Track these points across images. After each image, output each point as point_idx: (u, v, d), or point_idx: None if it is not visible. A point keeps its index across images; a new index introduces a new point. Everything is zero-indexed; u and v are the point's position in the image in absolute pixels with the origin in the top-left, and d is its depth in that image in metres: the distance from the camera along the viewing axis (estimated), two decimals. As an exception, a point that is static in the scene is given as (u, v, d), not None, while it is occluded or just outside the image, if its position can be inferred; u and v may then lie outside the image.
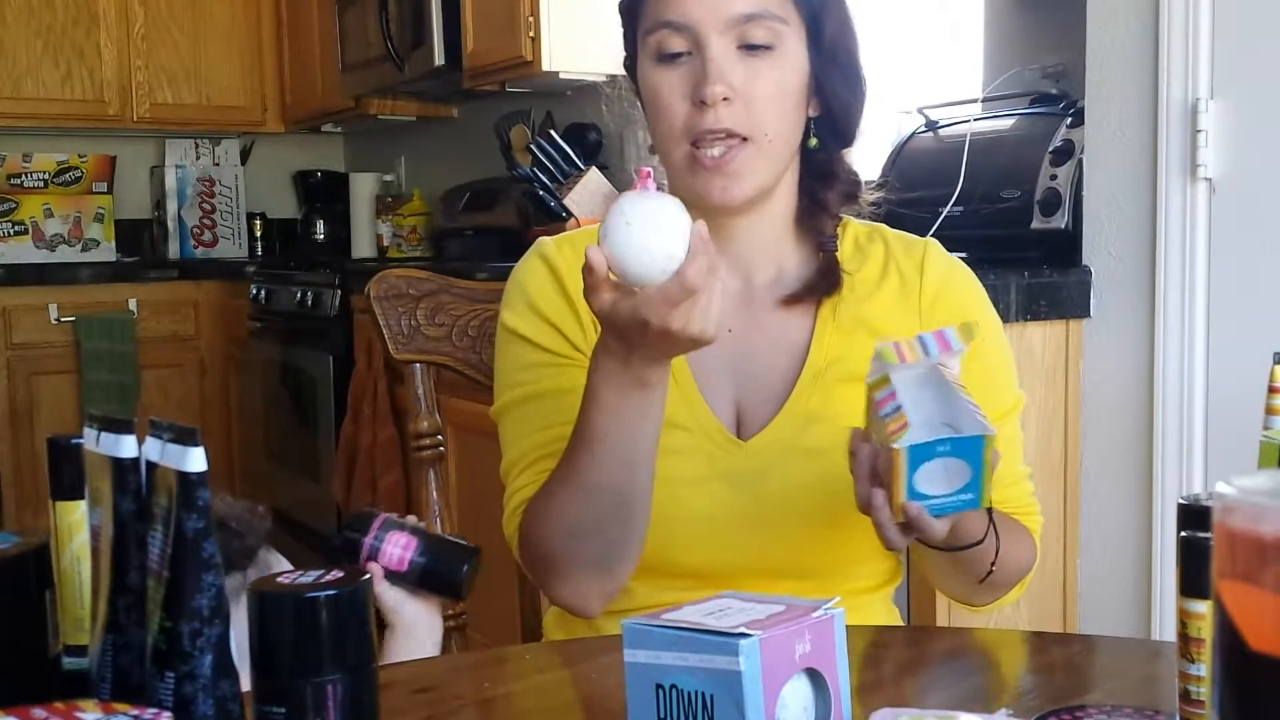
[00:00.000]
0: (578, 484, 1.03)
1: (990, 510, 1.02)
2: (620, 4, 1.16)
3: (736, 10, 1.05)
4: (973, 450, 0.88)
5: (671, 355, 0.97)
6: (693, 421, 1.11)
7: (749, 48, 1.06)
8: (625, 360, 0.96)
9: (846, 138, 1.17)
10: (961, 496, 0.89)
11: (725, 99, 1.05)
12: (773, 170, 1.10)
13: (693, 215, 1.14)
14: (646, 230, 0.88)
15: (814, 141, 1.14)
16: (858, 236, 1.19)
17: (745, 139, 1.06)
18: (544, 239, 1.20)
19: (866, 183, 1.22)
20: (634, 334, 0.92)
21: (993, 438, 0.88)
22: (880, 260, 1.17)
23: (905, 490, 0.88)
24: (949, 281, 1.17)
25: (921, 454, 0.88)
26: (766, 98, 1.07)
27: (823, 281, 1.14)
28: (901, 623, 1.25)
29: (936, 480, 0.89)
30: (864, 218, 1.23)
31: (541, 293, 1.16)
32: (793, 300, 1.14)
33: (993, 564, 1.04)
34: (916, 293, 1.15)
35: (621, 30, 1.16)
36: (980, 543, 1.01)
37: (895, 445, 0.87)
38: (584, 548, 1.05)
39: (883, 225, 1.22)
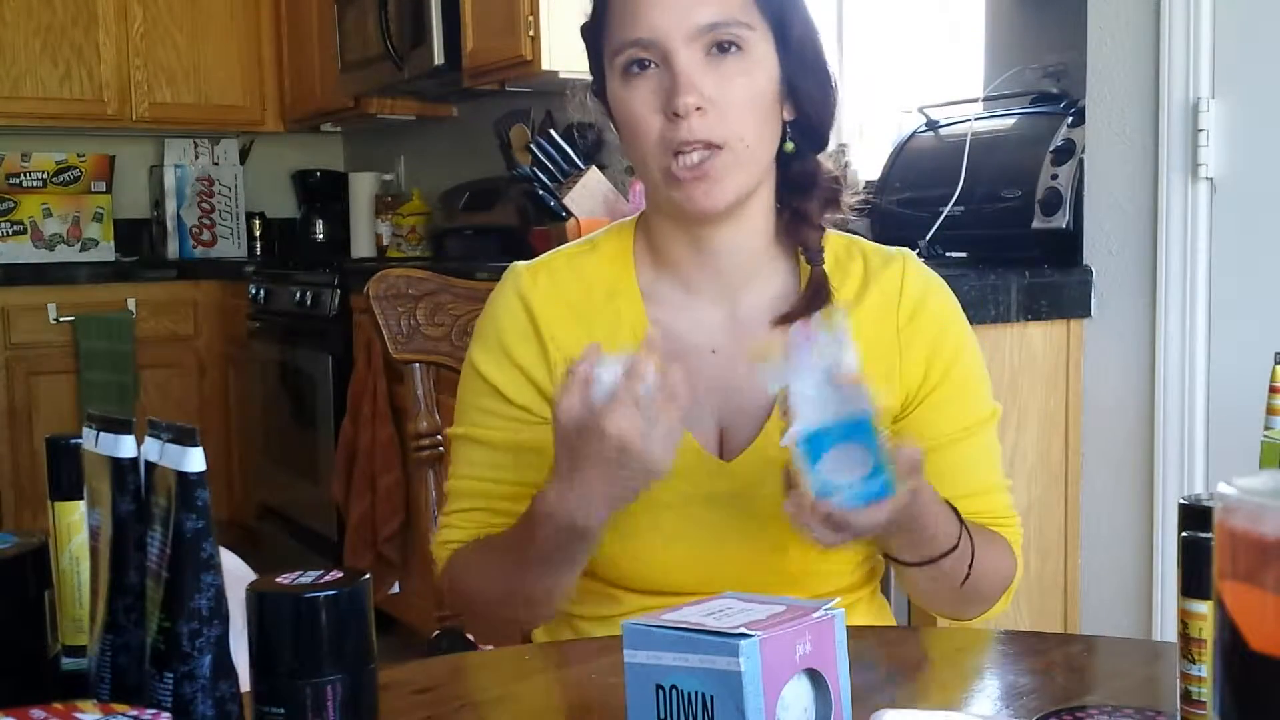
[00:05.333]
0: (514, 574, 1.06)
1: (960, 515, 1.04)
2: (582, 27, 1.15)
3: (701, 20, 1.04)
4: (863, 432, 0.89)
5: (611, 489, 0.95)
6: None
7: (719, 50, 1.05)
8: (568, 490, 0.95)
9: (821, 140, 1.16)
10: (871, 483, 0.89)
11: (698, 108, 1.04)
12: (750, 176, 1.09)
13: (675, 226, 1.14)
14: None
15: (790, 146, 1.13)
16: (837, 252, 1.18)
17: (721, 146, 1.06)
18: (518, 267, 1.18)
19: (866, 183, 1.21)
20: (581, 443, 0.93)
21: (877, 413, 0.88)
22: (860, 276, 1.16)
23: (814, 485, 0.89)
24: (926, 296, 1.16)
25: (814, 445, 0.89)
26: (739, 103, 1.06)
27: (815, 299, 1.13)
28: (893, 617, 1.25)
29: (843, 470, 0.89)
30: (850, 219, 1.22)
31: (513, 332, 1.15)
32: (784, 320, 1.13)
33: (969, 566, 1.05)
34: (895, 307, 1.15)
35: (586, 55, 1.15)
36: (955, 549, 1.02)
37: (783, 442, 0.89)
38: (507, 611, 1.12)
39: (860, 238, 1.21)
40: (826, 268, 1.15)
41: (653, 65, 1.06)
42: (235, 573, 0.68)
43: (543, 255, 1.21)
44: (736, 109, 1.06)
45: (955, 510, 1.05)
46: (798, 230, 1.15)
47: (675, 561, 1.11)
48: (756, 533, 1.10)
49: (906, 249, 1.20)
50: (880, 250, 1.19)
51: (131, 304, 4.20)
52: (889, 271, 1.16)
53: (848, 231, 1.22)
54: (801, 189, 1.15)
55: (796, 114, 1.12)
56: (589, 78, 1.18)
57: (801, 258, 1.16)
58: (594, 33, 1.13)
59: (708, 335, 1.15)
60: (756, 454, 1.10)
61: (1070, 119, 2.08)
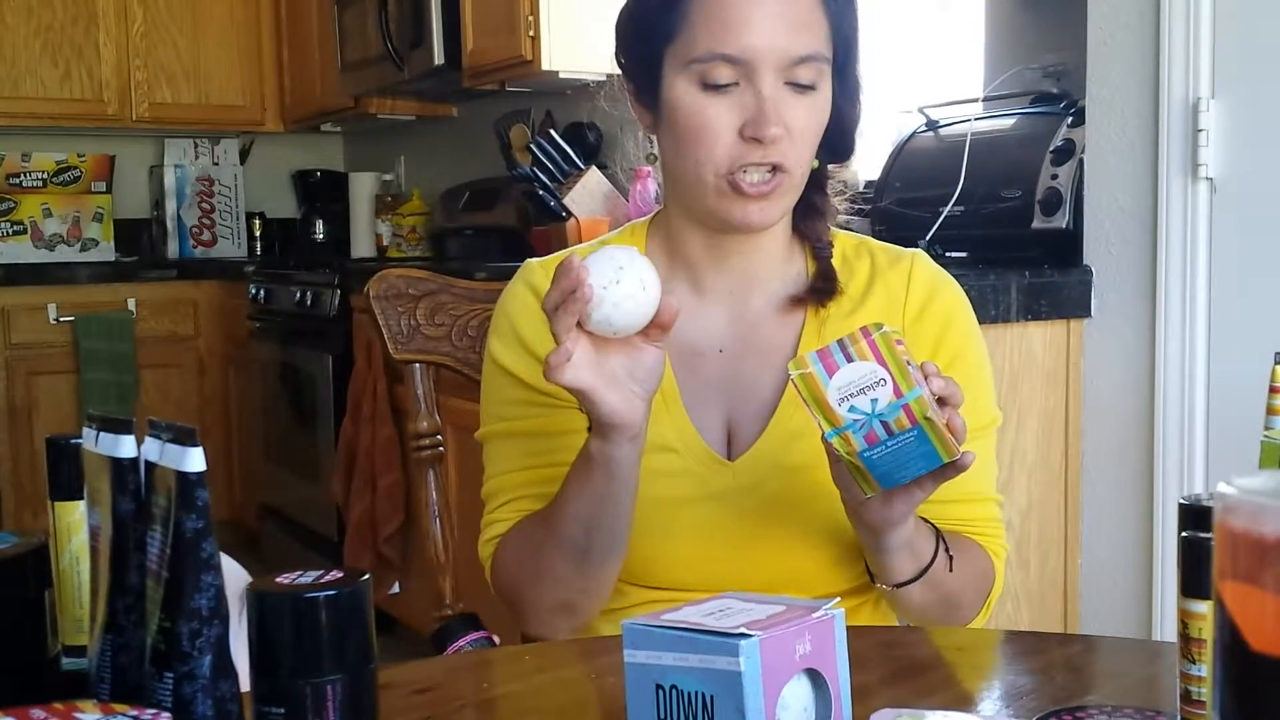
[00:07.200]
0: (544, 531, 1.07)
1: (937, 532, 1.06)
2: (638, 11, 1.12)
3: (796, 52, 1.05)
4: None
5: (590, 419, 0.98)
6: (681, 444, 1.12)
7: (795, 86, 1.06)
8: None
9: (847, 153, 1.18)
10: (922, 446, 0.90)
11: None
12: (796, 196, 1.12)
13: (699, 231, 1.14)
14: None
15: (814, 163, 1.14)
16: (845, 250, 1.19)
17: (787, 171, 1.07)
18: (531, 262, 1.20)
19: (866, 183, 1.22)
20: None
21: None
22: (866, 274, 1.17)
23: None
24: (934, 296, 1.16)
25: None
26: (807, 133, 1.08)
27: (824, 287, 1.14)
28: (899, 622, 1.25)
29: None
30: (849, 219, 1.23)
31: (528, 324, 1.15)
32: (790, 306, 1.15)
33: (950, 568, 1.07)
34: (902, 306, 1.15)
35: (630, 35, 1.13)
36: (933, 562, 1.04)
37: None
38: (545, 593, 1.09)
39: (869, 238, 1.22)
40: (834, 264, 1.17)
41: (733, 85, 1.06)
42: (233, 575, 0.68)
43: (556, 253, 1.22)
44: (804, 138, 1.08)
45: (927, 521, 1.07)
46: (809, 225, 1.17)
47: (681, 558, 1.11)
48: (761, 531, 1.10)
49: (919, 250, 1.20)
50: (889, 249, 1.20)
51: (131, 304, 4.21)
52: (897, 270, 1.17)
53: (850, 231, 1.23)
54: (818, 187, 1.17)
55: (829, 130, 1.13)
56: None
57: (808, 255, 1.17)
58: (660, 22, 1.09)
59: (716, 335, 1.15)
60: (761, 452, 1.11)
61: (1070, 119, 2.08)
